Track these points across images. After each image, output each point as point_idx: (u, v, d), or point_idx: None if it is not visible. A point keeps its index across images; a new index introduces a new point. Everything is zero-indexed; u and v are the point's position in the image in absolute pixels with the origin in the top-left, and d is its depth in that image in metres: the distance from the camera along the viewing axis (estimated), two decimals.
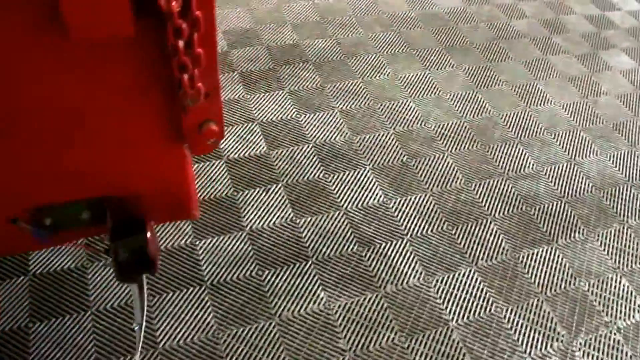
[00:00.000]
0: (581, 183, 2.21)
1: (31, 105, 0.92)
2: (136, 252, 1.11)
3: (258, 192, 1.97)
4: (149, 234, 1.12)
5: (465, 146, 2.27)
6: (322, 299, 1.72)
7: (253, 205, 1.92)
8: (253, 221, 1.88)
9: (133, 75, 0.93)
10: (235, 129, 2.17)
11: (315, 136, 2.20)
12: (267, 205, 1.93)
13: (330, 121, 2.27)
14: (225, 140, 2.12)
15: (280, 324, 1.64)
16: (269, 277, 1.74)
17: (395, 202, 2.01)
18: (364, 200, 2.00)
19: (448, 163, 2.19)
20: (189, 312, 1.63)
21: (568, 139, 2.39)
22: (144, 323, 1.55)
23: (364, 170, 2.10)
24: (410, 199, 2.03)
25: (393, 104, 2.40)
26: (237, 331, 1.61)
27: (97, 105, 0.96)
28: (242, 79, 2.40)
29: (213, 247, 1.79)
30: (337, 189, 2.02)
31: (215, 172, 2.00)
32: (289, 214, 1.92)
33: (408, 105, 2.41)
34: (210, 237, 1.81)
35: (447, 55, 2.72)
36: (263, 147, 2.12)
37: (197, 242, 1.79)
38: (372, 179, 2.08)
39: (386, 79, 2.53)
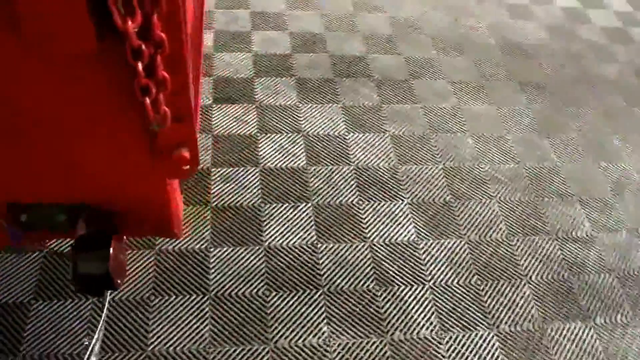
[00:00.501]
0: (639, 259, 2.01)
1: (12, 110, 0.90)
2: (96, 266, 1.08)
3: (286, 207, 1.91)
4: (112, 250, 1.09)
5: (516, 195, 2.12)
6: (323, 333, 1.64)
7: (277, 220, 1.87)
8: (273, 237, 1.83)
9: (102, 89, 0.88)
10: (278, 137, 2.12)
11: (358, 158, 2.11)
12: (292, 223, 1.87)
13: (379, 145, 2.18)
14: (266, 147, 2.08)
15: (275, 351, 1.59)
16: (274, 299, 1.69)
17: (426, 244, 1.90)
18: (394, 236, 1.90)
19: (493, 211, 2.05)
20: (186, 320, 1.61)
21: (634, 206, 2.18)
22: (99, 341, 1.53)
23: (401, 204, 2.00)
24: (443, 243, 1.91)
25: (449, 137, 2.28)
26: (229, 350, 1.57)
27: (72, 116, 0.92)
28: (297, 86, 2.34)
29: (226, 257, 1.75)
30: (368, 219, 1.93)
31: (248, 179, 1.96)
32: (312, 237, 1.85)
33: (465, 141, 2.27)
34: (226, 247, 1.78)
35: (520, 92, 2.55)
36: (302, 161, 2.06)
37: (212, 249, 1.76)
38: (407, 215, 1.97)
39: (448, 109, 2.40)
